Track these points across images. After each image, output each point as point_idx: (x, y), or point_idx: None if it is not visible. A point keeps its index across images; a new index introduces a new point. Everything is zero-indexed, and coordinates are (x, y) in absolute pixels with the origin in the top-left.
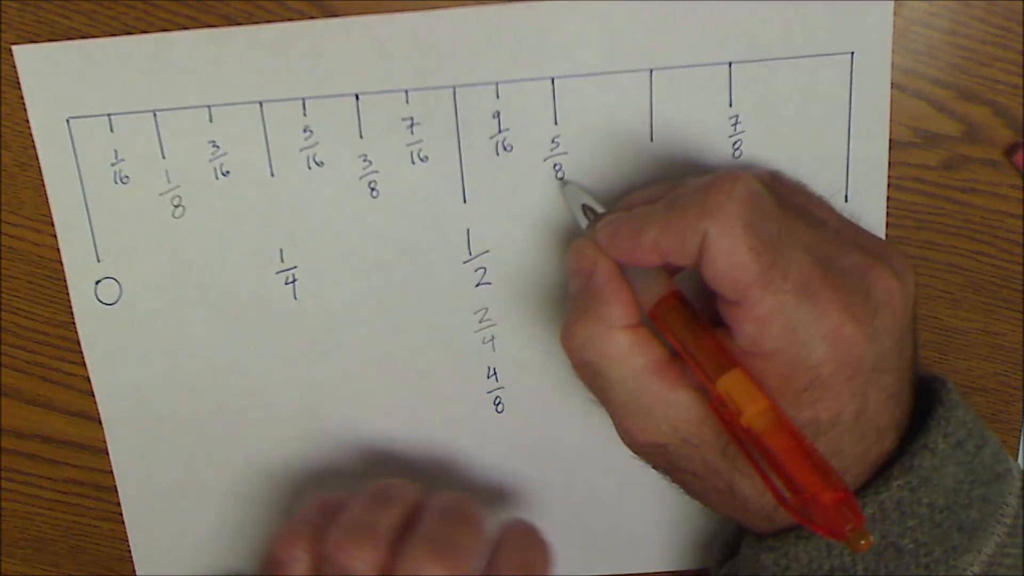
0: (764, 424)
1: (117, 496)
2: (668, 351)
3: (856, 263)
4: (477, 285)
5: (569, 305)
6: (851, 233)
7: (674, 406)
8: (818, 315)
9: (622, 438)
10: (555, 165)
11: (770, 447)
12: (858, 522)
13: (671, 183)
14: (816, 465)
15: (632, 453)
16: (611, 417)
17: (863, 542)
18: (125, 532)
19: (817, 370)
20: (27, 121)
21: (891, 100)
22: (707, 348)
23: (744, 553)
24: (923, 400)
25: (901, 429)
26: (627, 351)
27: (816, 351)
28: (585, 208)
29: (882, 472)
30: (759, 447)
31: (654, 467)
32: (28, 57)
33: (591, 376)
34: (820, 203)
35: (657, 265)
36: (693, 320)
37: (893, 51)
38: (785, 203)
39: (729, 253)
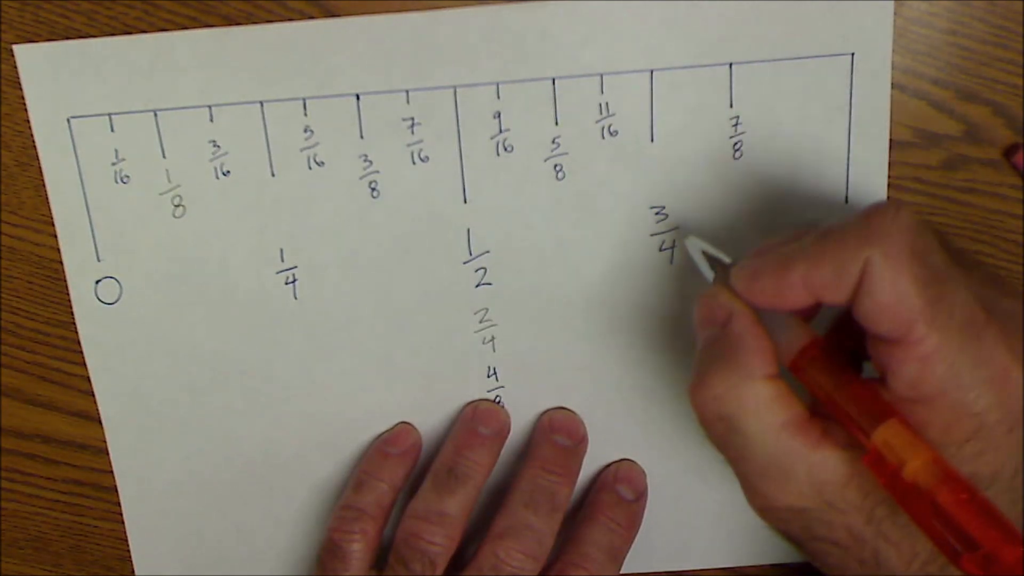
0: (931, 477)
1: (117, 496)
2: (806, 408)
3: (1014, 307)
4: (477, 285)
5: (697, 358)
6: (999, 279)
7: (818, 466)
8: (985, 357)
9: (754, 503)
10: (555, 165)
11: (939, 502)
12: None
13: (797, 232)
14: (992, 518)
15: (764, 522)
16: (743, 481)
17: None
18: (125, 532)
19: (982, 418)
20: (27, 121)
21: (891, 100)
22: (858, 398)
23: None
24: None
25: None
26: (767, 404)
27: (982, 397)
28: (709, 259)
29: None
30: (923, 503)
31: (788, 537)
32: (28, 57)
33: (726, 432)
34: (964, 250)
35: (806, 305)
36: (840, 369)
37: (893, 51)
38: (943, 240)
39: (894, 283)
